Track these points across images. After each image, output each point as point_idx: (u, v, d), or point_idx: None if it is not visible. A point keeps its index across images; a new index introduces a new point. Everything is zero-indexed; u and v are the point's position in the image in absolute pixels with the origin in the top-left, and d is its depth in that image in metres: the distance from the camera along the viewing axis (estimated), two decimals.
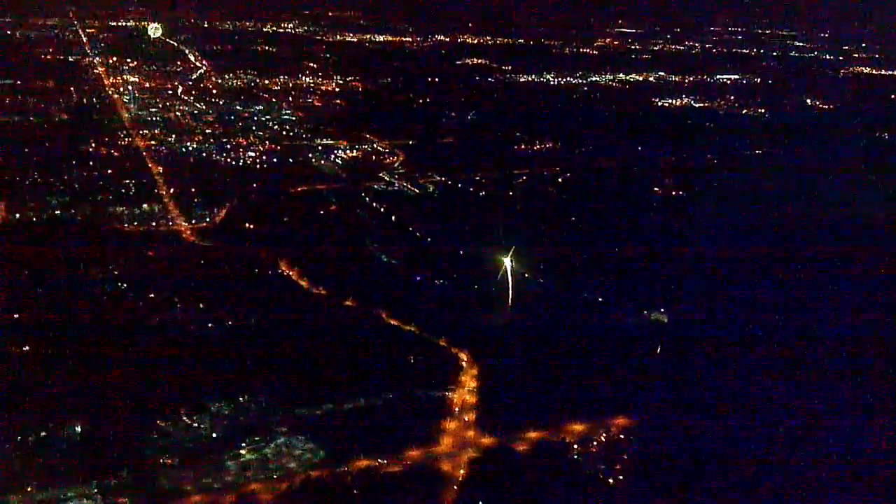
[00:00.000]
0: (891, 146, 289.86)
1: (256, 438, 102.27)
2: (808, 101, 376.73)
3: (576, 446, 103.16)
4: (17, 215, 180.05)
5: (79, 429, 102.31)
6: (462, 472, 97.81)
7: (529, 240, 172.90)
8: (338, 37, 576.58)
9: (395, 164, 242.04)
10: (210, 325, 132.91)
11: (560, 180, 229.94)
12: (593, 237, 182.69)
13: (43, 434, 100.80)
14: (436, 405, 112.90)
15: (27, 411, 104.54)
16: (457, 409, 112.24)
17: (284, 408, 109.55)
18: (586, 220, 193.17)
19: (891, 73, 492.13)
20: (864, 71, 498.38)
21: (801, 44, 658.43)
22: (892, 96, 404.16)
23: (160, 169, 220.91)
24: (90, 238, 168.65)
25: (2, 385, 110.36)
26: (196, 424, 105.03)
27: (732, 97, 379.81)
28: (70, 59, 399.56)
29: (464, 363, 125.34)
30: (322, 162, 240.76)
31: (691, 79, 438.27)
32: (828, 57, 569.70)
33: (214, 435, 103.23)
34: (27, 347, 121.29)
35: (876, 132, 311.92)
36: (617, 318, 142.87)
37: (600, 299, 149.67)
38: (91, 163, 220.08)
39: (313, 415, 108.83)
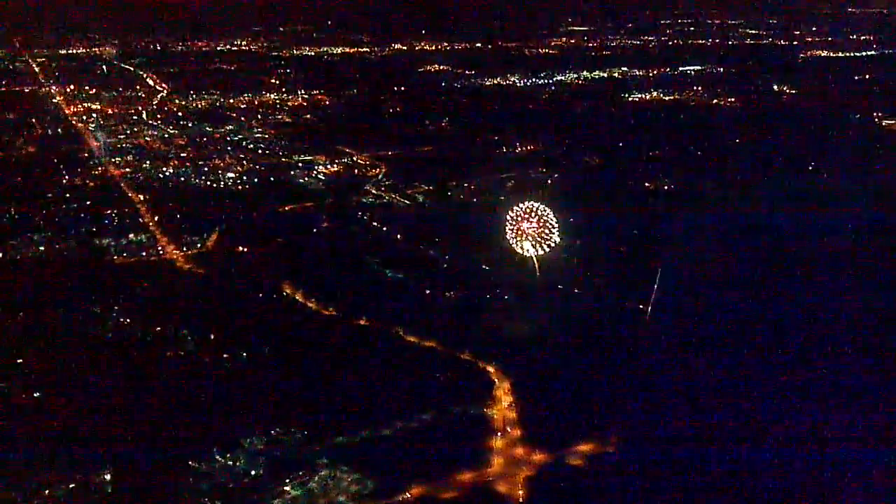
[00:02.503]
0: (864, 127, 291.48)
1: (300, 473, 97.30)
2: (775, 87, 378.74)
3: (629, 457, 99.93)
4: (1, 254, 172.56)
5: (109, 477, 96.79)
6: (521, 492, 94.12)
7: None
8: (294, 51, 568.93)
9: (379, 176, 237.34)
10: (225, 355, 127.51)
11: (549, 182, 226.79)
12: (597, 236, 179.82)
13: (72, 486, 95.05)
14: (477, 423, 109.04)
15: (51, 463, 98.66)
16: (499, 426, 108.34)
17: (320, 438, 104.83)
18: (586, 220, 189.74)
19: (845, 54, 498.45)
20: (821, 54, 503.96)
21: (753, 31, 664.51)
22: (856, 77, 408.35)
23: (140, 196, 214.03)
24: (82, 273, 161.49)
25: (19, 436, 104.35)
26: (231, 462, 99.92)
27: (700, 88, 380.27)
28: (26, 91, 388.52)
29: (494, 377, 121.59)
30: (305, 179, 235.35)
31: (655, 72, 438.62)
32: (782, 42, 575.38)
33: (253, 472, 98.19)
34: (38, 394, 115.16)
35: (847, 113, 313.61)
36: (636, 319, 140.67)
37: (619, 300, 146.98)
38: (68, 195, 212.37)
39: (353, 443, 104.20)
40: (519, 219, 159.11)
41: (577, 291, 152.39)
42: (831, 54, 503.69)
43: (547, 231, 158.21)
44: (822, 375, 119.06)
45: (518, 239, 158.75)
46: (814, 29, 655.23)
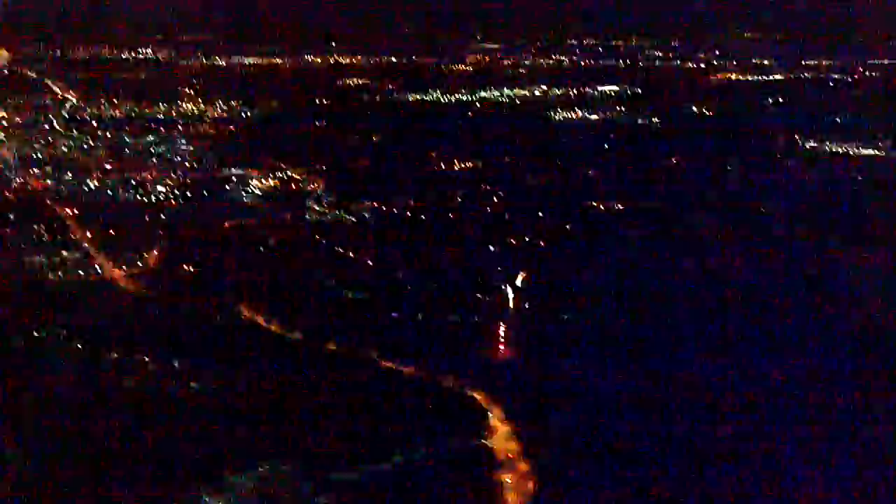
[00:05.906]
0: (790, 148, 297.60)
1: None
2: (694, 108, 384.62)
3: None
4: None
5: None
6: None
7: (491, 261, 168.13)
8: (204, 60, 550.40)
9: (319, 191, 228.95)
10: (193, 384, 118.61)
11: (495, 199, 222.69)
12: (555, 253, 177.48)
13: None
14: (480, 456, 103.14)
15: None
16: (503, 458, 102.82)
17: (313, 474, 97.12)
18: (542, 237, 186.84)
19: (755, 77, 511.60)
20: (731, 77, 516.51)
21: (658, 53, 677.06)
22: (769, 100, 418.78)
23: (67, 211, 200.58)
24: (15, 295, 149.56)
25: None
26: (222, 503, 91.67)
27: (622, 108, 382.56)
28: None
29: (484, 404, 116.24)
30: (241, 193, 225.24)
31: (574, 91, 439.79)
32: (690, 65, 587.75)
33: None
34: None
35: (769, 135, 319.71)
36: (608, 334, 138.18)
37: (590, 316, 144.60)
38: None
39: (350, 480, 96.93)
40: None
41: (545, 308, 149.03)
42: (740, 77, 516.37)
43: None
44: None
45: None
46: (717, 52, 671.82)
